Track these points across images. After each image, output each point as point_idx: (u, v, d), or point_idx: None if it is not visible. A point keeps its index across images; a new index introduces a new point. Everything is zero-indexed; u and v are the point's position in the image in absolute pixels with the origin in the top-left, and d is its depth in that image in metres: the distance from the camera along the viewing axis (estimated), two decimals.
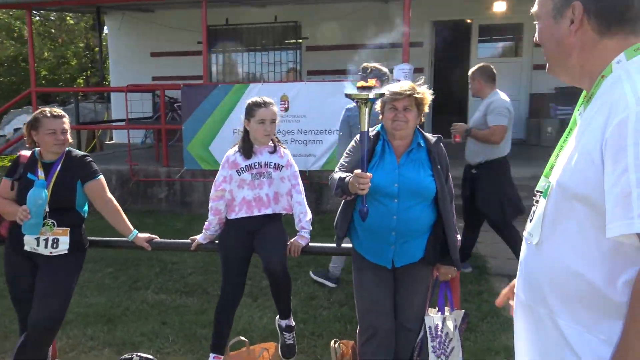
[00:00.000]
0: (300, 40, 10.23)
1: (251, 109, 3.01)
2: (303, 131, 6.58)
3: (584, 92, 1.33)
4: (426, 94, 2.68)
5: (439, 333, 2.74)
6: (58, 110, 3.04)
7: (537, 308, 1.31)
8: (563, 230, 1.22)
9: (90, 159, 3.10)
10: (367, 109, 2.42)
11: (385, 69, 4.39)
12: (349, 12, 9.38)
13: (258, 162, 3.03)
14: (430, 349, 2.71)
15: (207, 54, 7.29)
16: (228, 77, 10.87)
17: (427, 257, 2.70)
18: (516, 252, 4.50)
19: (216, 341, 2.98)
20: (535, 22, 1.37)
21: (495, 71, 4.68)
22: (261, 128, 2.98)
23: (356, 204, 2.73)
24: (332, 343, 2.84)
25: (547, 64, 1.37)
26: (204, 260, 5.20)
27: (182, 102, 7.14)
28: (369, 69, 4.38)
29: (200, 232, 3.20)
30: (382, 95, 2.52)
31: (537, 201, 1.34)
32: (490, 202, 4.48)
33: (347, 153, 2.83)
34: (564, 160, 1.24)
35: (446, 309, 2.80)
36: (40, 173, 2.96)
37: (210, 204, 3.11)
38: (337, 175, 2.71)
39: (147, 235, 3.21)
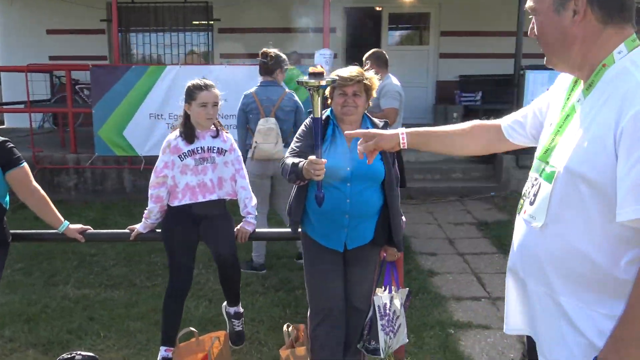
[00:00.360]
0: (212, 22, 9.94)
1: (192, 92, 2.91)
2: (224, 115, 6.40)
3: (574, 80, 1.42)
4: (374, 80, 2.73)
5: (387, 312, 2.84)
6: None
7: (536, 286, 1.40)
8: (570, 214, 1.29)
9: (11, 144, 2.83)
10: (319, 97, 2.44)
11: (283, 55, 4.43)
12: None
13: (201, 147, 2.94)
14: (379, 327, 2.80)
15: (117, 33, 6.86)
16: (134, 58, 10.32)
17: (376, 239, 2.78)
18: None
19: (166, 333, 2.87)
20: (530, 17, 1.42)
21: (387, 56, 4.89)
22: (203, 111, 2.89)
23: (309, 189, 2.74)
24: (284, 327, 2.85)
25: (546, 56, 1.43)
26: (126, 251, 4.95)
27: (92, 84, 6.68)
28: (268, 55, 4.37)
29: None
30: (334, 81, 2.54)
31: (533, 184, 1.42)
32: None
33: (297, 137, 2.82)
34: (571, 146, 1.30)
35: (392, 287, 2.90)
36: None
37: (150, 192, 2.98)
38: (289, 160, 2.69)
39: (79, 226, 3.01)
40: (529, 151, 1.56)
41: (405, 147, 1.82)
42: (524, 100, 6.62)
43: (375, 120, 2.82)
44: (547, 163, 1.39)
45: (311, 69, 2.48)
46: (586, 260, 1.27)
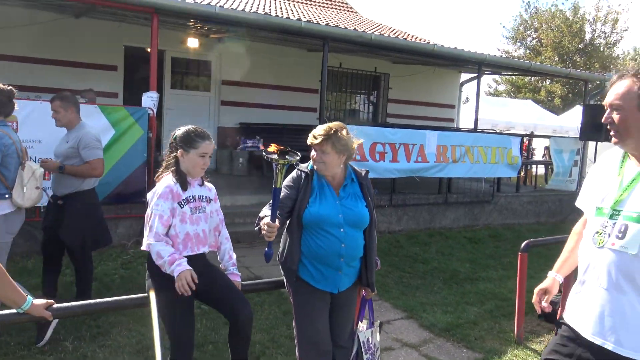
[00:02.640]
0: None
1: (193, 140, 2.81)
2: (38, 160, 5.56)
3: (623, 155, 2.10)
4: (346, 137, 2.91)
5: (370, 345, 3.17)
6: None
7: (629, 296, 1.95)
8: None
9: None
10: (283, 171, 2.64)
11: (5, 88, 3.95)
12: (35, 23, 8.20)
13: (193, 196, 2.83)
14: None
15: None
16: None
17: (361, 279, 3.09)
18: (84, 278, 4.48)
19: None
20: (608, 109, 2.04)
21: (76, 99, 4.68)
22: (201, 161, 2.83)
23: (302, 236, 2.90)
24: None
25: (620, 137, 2.03)
26: None
27: None
28: (4, 91, 3.92)
29: None
30: (297, 157, 2.72)
31: (607, 225, 2.01)
32: (73, 231, 4.37)
33: (283, 188, 2.89)
34: None
35: (372, 322, 3.23)
36: None
37: (158, 248, 2.64)
38: (262, 212, 2.80)
39: (42, 300, 2.46)
40: None
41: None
42: None
43: (358, 169, 3.12)
44: (620, 210, 1.99)
45: (275, 147, 2.64)
46: None
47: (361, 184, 3.03)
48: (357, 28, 7.84)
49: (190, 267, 2.59)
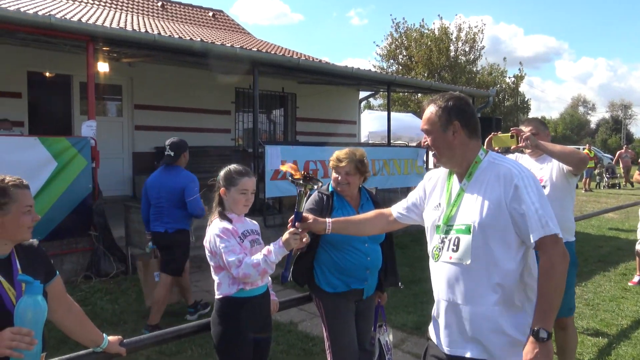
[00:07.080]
0: None
1: (232, 178, 2.78)
2: None
3: (448, 173, 2.20)
4: (366, 159, 3.25)
5: (390, 346, 3.49)
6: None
7: (473, 307, 2.00)
8: (487, 250, 1.96)
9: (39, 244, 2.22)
10: (306, 196, 2.71)
11: None
12: None
13: (248, 229, 2.81)
14: None
15: None
16: None
17: (380, 287, 3.40)
18: None
19: None
20: (425, 134, 2.16)
21: None
22: (243, 199, 2.78)
23: (315, 256, 3.17)
24: None
25: (437, 157, 2.15)
26: None
27: None
28: None
29: None
30: (320, 184, 2.82)
31: (444, 240, 2.08)
32: None
33: (307, 209, 3.09)
34: (475, 210, 1.98)
35: (385, 325, 3.54)
36: None
37: (248, 262, 2.57)
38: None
39: (115, 337, 2.47)
40: None
41: (329, 232, 2.55)
42: (265, 170, 7.72)
43: (368, 189, 3.45)
44: (452, 225, 2.06)
45: (304, 173, 2.69)
46: (505, 273, 1.96)
47: (375, 202, 3.33)
48: (285, 54, 8.17)
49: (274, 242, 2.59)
